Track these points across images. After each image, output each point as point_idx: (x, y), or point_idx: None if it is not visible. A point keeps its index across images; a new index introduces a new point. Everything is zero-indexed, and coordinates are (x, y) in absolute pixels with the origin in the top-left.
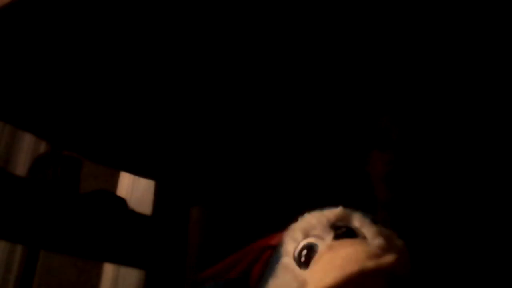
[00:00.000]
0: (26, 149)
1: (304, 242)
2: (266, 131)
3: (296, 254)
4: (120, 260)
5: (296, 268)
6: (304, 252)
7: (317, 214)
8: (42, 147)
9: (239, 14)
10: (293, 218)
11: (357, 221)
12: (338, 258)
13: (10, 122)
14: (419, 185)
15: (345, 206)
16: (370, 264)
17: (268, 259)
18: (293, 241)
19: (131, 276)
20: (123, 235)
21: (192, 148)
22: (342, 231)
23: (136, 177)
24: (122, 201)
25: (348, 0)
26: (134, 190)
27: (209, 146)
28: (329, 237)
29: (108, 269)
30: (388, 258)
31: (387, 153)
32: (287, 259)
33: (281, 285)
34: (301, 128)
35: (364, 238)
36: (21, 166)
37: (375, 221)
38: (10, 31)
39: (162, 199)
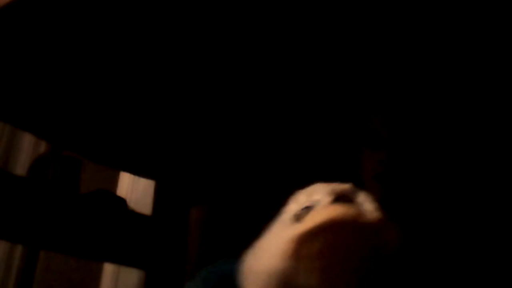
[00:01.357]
0: (26, 149)
1: (305, 204)
2: (264, 131)
3: (295, 213)
4: (120, 260)
5: (291, 222)
6: (302, 211)
7: (325, 184)
8: (42, 147)
9: (226, 19)
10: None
11: (361, 198)
12: (339, 210)
13: (10, 122)
14: (411, 185)
15: None
16: (350, 214)
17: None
18: (295, 203)
19: (131, 276)
20: (123, 235)
21: (192, 148)
22: (342, 200)
23: (136, 177)
24: (122, 201)
25: (337, 3)
26: (134, 190)
27: (209, 146)
28: (328, 199)
29: (108, 269)
30: (371, 217)
31: (378, 152)
32: (286, 216)
33: (273, 234)
34: (296, 129)
35: (365, 207)
36: (21, 166)
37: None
38: (10, 31)
39: (162, 199)
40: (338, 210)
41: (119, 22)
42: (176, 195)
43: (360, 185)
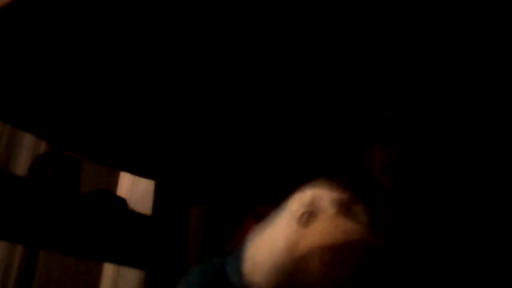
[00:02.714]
0: (26, 149)
1: (308, 207)
2: (265, 129)
3: (298, 213)
4: (120, 260)
5: (296, 223)
6: (306, 215)
7: (329, 188)
8: (42, 147)
9: (238, 12)
10: None
11: (358, 209)
12: (341, 226)
13: (10, 122)
14: (423, 179)
15: None
16: (369, 239)
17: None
18: (299, 202)
19: (131, 276)
20: (123, 235)
21: (192, 148)
22: (344, 209)
23: (136, 177)
24: (122, 201)
25: None
26: (134, 190)
27: (209, 146)
28: (332, 210)
29: (108, 269)
30: (379, 239)
31: (390, 145)
32: (288, 214)
33: (278, 232)
34: (302, 125)
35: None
36: (21, 166)
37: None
38: (10, 31)
39: (162, 199)
40: (344, 229)
41: (119, 22)
42: (176, 195)
43: (368, 176)
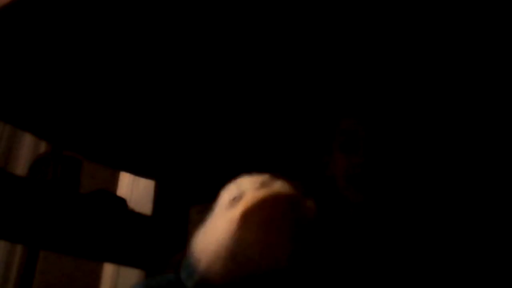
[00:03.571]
0: (26, 149)
1: (236, 191)
2: (263, 130)
3: (230, 199)
4: (120, 260)
5: (229, 207)
6: (236, 198)
7: (249, 176)
8: (42, 147)
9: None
10: None
11: (279, 183)
12: (254, 194)
13: (10, 122)
14: (389, 187)
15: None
16: (274, 192)
17: None
18: (228, 192)
19: (131, 276)
20: (123, 235)
21: (192, 148)
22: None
23: (136, 177)
24: (122, 201)
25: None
26: (134, 190)
27: (208, 146)
28: (254, 186)
29: (108, 269)
30: (290, 192)
31: (352, 154)
32: (222, 203)
33: (215, 218)
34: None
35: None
36: (21, 166)
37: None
38: (10, 31)
39: (162, 199)
40: (264, 191)
41: (119, 22)
42: (176, 195)
43: (332, 186)
